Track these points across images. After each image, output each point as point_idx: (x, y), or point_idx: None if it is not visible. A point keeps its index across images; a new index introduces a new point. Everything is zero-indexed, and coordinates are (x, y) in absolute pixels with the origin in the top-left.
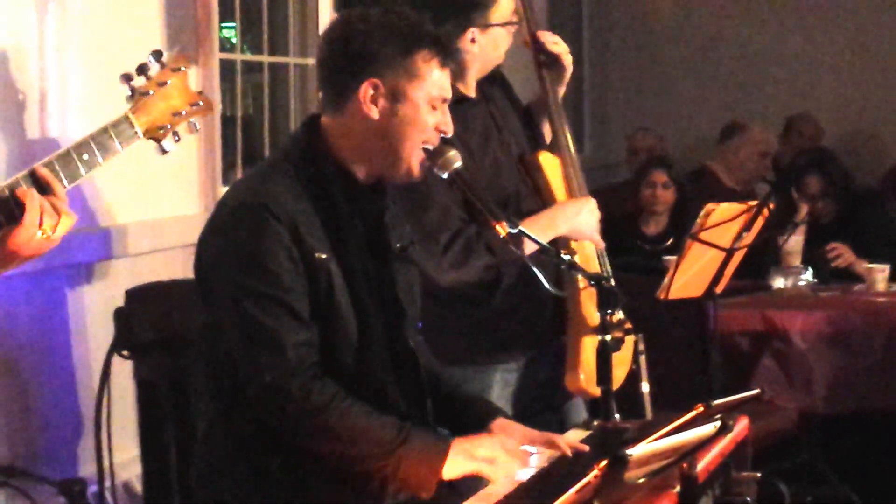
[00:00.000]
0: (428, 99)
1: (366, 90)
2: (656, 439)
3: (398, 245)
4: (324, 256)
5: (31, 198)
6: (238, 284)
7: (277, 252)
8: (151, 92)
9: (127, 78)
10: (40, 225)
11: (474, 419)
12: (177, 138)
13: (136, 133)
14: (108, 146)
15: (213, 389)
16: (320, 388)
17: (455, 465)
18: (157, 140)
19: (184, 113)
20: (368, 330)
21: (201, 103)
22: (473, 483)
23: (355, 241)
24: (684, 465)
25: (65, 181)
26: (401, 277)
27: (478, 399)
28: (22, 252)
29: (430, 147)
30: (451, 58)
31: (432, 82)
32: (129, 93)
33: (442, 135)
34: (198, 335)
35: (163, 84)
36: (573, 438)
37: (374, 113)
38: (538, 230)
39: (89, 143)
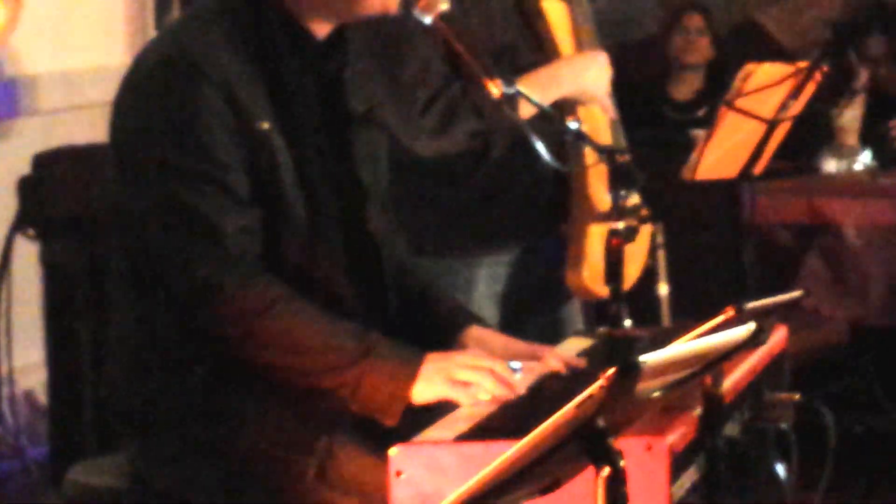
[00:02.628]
0: None
1: None
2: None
3: (361, 108)
4: (266, 126)
5: None
6: (162, 160)
7: (210, 120)
8: None
9: None
10: None
11: (443, 325)
12: None
13: None
14: None
15: (128, 282)
16: (263, 285)
17: (428, 388)
18: None
19: None
20: (320, 216)
21: None
22: (449, 409)
23: (306, 107)
24: (708, 380)
25: None
26: (362, 148)
27: (449, 301)
28: None
29: None
30: None
31: None
32: None
33: None
34: (113, 215)
35: None
36: (571, 350)
37: None
38: (538, 89)
39: None
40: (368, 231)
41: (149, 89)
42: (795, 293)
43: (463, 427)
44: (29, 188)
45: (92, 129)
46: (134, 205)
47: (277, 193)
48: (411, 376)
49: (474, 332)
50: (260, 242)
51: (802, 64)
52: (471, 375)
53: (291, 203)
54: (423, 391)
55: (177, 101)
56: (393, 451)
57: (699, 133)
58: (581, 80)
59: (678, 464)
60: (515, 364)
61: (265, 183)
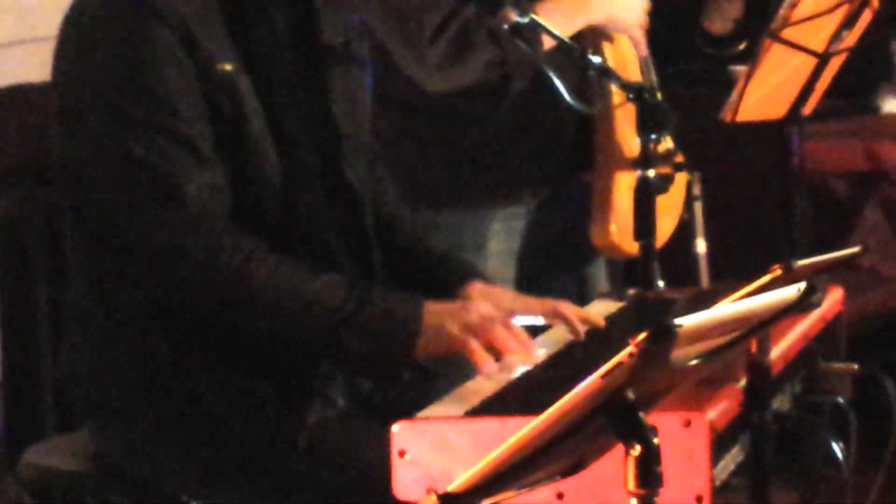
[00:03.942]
0: None
1: None
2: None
3: (339, 40)
4: (228, 68)
5: None
6: (113, 111)
7: (164, 66)
8: None
9: None
10: None
11: (437, 281)
12: None
13: None
14: None
15: (82, 242)
16: (233, 245)
17: (435, 337)
18: None
19: None
20: (296, 166)
21: None
22: (457, 362)
23: (274, 43)
24: (753, 348)
25: None
26: (338, 88)
27: (446, 256)
28: None
29: None
30: None
31: None
32: None
33: None
34: (61, 169)
35: None
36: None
37: None
38: (561, 17)
39: None
40: (348, 180)
41: (94, 29)
42: (852, 250)
43: (474, 401)
44: None
45: (45, 64)
46: (81, 158)
47: (246, 144)
48: (415, 325)
49: (477, 287)
50: (228, 200)
51: None
52: (480, 321)
53: (263, 154)
54: (430, 341)
55: (127, 44)
56: (395, 428)
57: (739, 69)
58: (612, 6)
59: (720, 443)
60: (531, 319)
61: (230, 133)
